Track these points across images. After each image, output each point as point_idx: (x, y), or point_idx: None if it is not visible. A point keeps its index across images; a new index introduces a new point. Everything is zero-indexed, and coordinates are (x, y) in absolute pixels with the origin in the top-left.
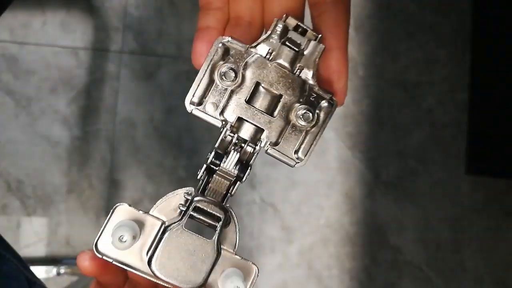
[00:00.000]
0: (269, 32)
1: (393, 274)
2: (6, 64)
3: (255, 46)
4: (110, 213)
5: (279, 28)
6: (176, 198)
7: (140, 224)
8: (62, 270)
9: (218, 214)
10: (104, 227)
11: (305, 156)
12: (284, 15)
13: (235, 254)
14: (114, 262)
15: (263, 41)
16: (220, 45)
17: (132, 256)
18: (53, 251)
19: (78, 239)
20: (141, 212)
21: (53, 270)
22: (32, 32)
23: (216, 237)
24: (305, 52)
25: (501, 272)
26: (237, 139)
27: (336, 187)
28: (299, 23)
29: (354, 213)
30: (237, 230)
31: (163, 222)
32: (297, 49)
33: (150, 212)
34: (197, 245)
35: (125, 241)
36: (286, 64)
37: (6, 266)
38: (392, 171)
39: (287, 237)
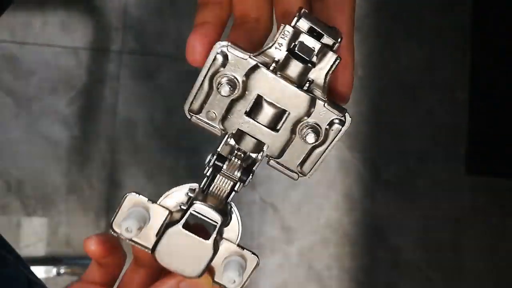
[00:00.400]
0: (275, 39)
1: (393, 274)
2: (6, 64)
3: (259, 54)
4: (122, 201)
5: (287, 33)
6: (181, 192)
7: (150, 211)
8: (62, 270)
9: (214, 220)
10: (117, 212)
11: (309, 171)
12: (296, 15)
13: (237, 245)
14: (128, 241)
15: (268, 49)
16: (220, 50)
17: (144, 237)
18: (53, 251)
19: (78, 239)
20: (150, 202)
21: (53, 270)
22: (32, 32)
23: (213, 239)
24: (317, 63)
25: (501, 272)
26: (238, 149)
27: (336, 187)
28: (313, 26)
29: (353, 213)
30: (239, 221)
31: (170, 212)
32: (307, 59)
33: (158, 202)
34: (194, 245)
35: (131, 231)
36: (294, 77)
37: (6, 266)
38: (392, 171)
39: (287, 237)
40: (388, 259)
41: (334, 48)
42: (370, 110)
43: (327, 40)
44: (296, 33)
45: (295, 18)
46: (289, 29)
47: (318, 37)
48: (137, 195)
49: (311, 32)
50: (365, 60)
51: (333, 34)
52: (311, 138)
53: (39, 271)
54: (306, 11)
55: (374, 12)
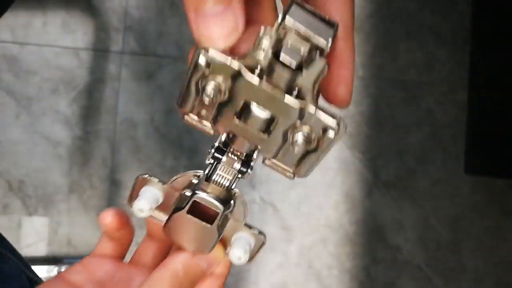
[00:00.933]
0: (258, 40)
1: (393, 273)
2: (7, 64)
3: (243, 58)
4: (134, 182)
5: (270, 37)
6: (187, 177)
7: (161, 192)
8: (63, 270)
9: (215, 209)
10: (131, 193)
11: (304, 173)
12: (281, 12)
13: (245, 224)
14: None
15: (251, 51)
16: (201, 52)
17: (158, 214)
18: (54, 250)
19: (79, 239)
20: (160, 183)
21: (54, 269)
22: (33, 32)
23: (216, 225)
24: (305, 67)
25: (501, 272)
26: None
27: (335, 187)
28: (300, 25)
29: (353, 213)
30: (245, 203)
31: (179, 194)
32: (295, 63)
33: (167, 184)
34: (199, 229)
35: (142, 211)
36: (281, 82)
37: (7, 265)
38: (392, 171)
39: (287, 237)
40: (388, 259)
41: (325, 51)
42: (371, 110)
43: (317, 40)
44: (279, 38)
45: (280, 16)
46: (271, 34)
47: (306, 38)
48: (149, 176)
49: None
50: (366, 59)
51: (324, 32)
52: (299, 147)
53: (40, 271)
54: (297, 3)
55: (374, 12)
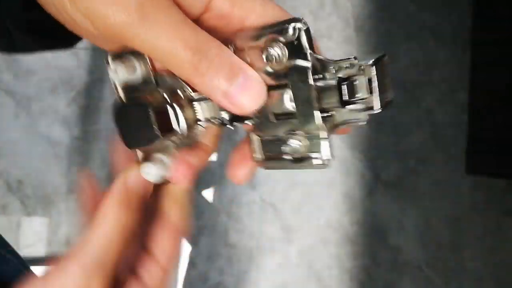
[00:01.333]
0: (340, 61)
1: (393, 274)
2: (6, 64)
3: (319, 59)
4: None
5: (352, 66)
6: (177, 83)
7: (141, 65)
8: None
9: (175, 129)
10: (118, 53)
11: (267, 168)
12: (374, 60)
13: (174, 152)
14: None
15: (328, 60)
16: (296, 26)
17: (122, 91)
18: (53, 251)
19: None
20: (150, 66)
21: None
22: None
23: (166, 140)
24: (351, 106)
25: (501, 272)
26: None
27: (336, 187)
28: (374, 81)
29: (354, 213)
30: (196, 140)
31: (155, 83)
32: (345, 100)
33: (152, 71)
34: (149, 134)
35: (115, 73)
36: (324, 99)
37: (6, 266)
38: (392, 171)
39: (287, 237)
40: (388, 259)
41: (374, 111)
42: None
43: (376, 101)
44: (360, 71)
45: (372, 62)
46: (355, 65)
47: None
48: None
49: (370, 81)
50: None
51: (383, 100)
52: (286, 150)
53: (40, 271)
54: (386, 63)
55: (375, 13)
